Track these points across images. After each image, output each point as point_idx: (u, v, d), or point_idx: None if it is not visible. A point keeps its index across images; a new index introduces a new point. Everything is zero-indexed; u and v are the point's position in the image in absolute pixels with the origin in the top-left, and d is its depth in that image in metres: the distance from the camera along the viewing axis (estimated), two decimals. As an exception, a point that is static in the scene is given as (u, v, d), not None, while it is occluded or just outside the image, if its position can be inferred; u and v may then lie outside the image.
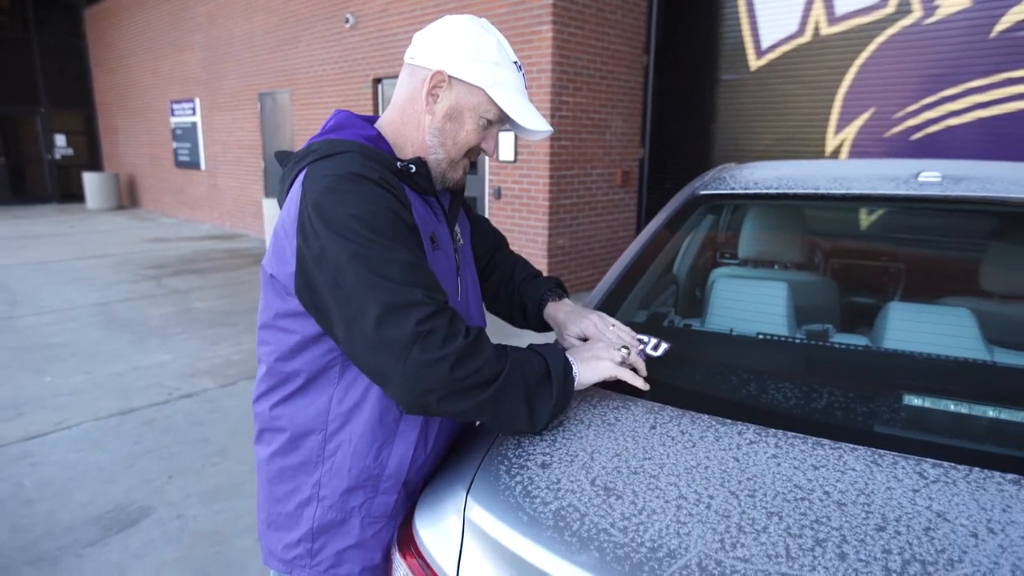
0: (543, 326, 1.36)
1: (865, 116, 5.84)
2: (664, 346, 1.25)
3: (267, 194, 9.93)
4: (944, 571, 0.70)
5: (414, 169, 1.05)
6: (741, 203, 1.87)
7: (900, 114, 5.67)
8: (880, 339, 1.45)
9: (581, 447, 1.01)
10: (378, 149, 1.05)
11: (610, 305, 1.47)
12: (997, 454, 0.93)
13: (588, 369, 1.07)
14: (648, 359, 1.23)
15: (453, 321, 0.93)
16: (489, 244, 1.41)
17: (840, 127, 5.99)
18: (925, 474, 0.88)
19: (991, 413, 1.03)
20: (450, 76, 1.05)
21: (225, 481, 3.00)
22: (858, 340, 1.55)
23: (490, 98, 1.06)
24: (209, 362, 4.57)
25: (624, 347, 1.12)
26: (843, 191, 1.63)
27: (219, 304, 6.13)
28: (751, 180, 1.83)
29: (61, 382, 4.19)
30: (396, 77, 7.59)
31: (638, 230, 7.41)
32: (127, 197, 14.83)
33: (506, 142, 6.37)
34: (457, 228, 1.23)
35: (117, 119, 14.69)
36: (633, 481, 0.91)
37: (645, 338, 1.28)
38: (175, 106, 12.10)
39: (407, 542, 0.98)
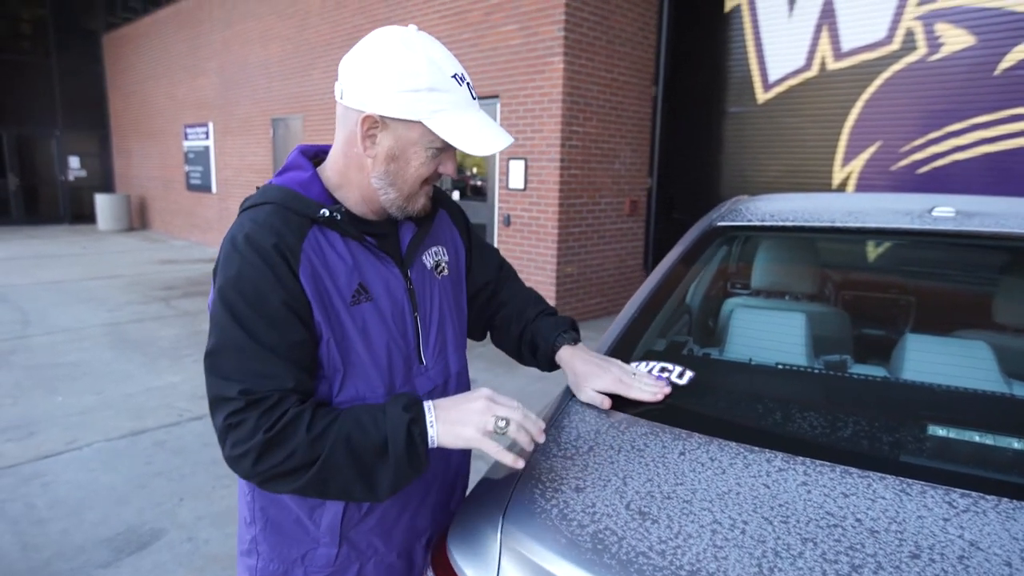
0: (551, 367, 1.31)
1: (871, 150, 5.91)
2: (689, 374, 1.28)
3: (277, 218, 10.04)
4: (980, 598, 0.72)
5: (339, 217, 1.00)
6: (758, 235, 1.91)
7: (906, 148, 5.75)
8: (898, 370, 1.47)
9: (613, 472, 1.03)
10: (305, 196, 1.01)
11: (633, 333, 1.49)
12: (1024, 485, 0.95)
13: (448, 433, 0.94)
14: (674, 387, 1.26)
15: (266, 413, 0.90)
16: (489, 275, 1.33)
17: (847, 160, 6.06)
18: (954, 503, 0.90)
19: (1016, 444, 1.05)
20: (382, 117, 0.97)
21: (236, 504, 3.00)
22: (876, 371, 1.57)
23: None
24: (219, 384, 4.59)
25: (505, 419, 0.95)
26: (859, 225, 1.67)
27: (229, 326, 6.16)
28: (767, 212, 1.87)
29: (72, 402, 4.22)
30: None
31: (646, 259, 7.46)
32: (137, 219, 14.99)
33: (517, 170, 6.46)
34: (439, 258, 1.18)
35: (131, 142, 14.93)
36: (667, 506, 0.93)
37: (670, 366, 1.31)
38: (188, 130, 12.30)
39: (441, 564, 0.99)
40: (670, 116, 7.16)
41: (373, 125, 0.98)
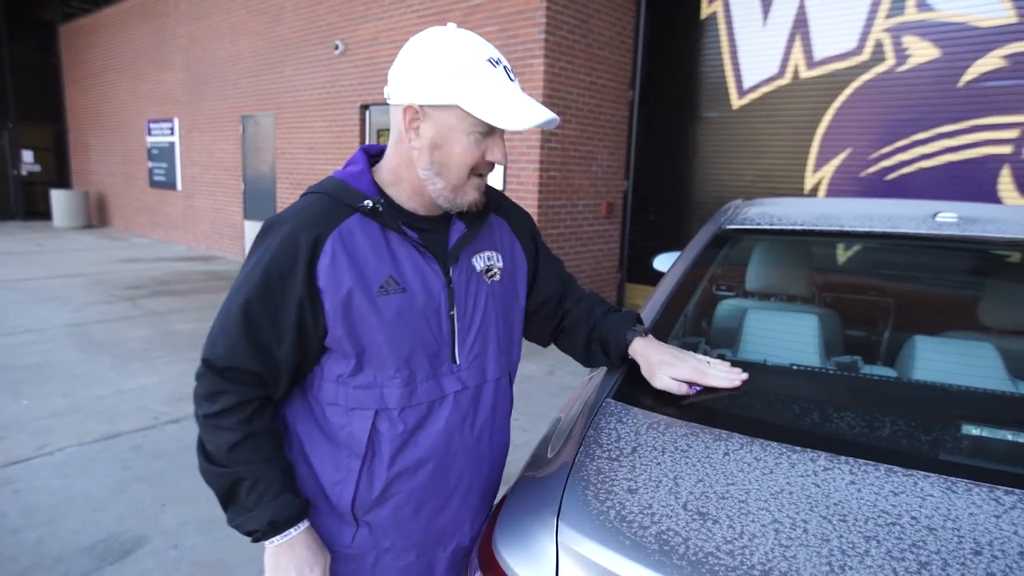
0: (622, 362, 1.33)
1: (842, 156, 6.08)
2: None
3: (247, 216, 9.81)
4: (1049, 593, 0.74)
5: (380, 209, 1.04)
6: (769, 238, 1.94)
7: (875, 155, 5.92)
8: (909, 371, 1.51)
9: (662, 472, 1.03)
10: (353, 187, 1.06)
11: (659, 334, 1.50)
12: (1062, 481, 0.98)
13: (271, 562, 1.08)
14: (707, 388, 1.27)
15: (217, 395, 1.02)
16: (554, 288, 1.33)
17: (818, 166, 6.22)
18: (1001, 500, 0.93)
19: (1047, 442, 1.09)
20: (421, 106, 1.01)
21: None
22: (886, 372, 1.61)
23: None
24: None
25: None
26: (868, 229, 1.71)
27: (201, 327, 6.00)
28: (774, 216, 1.90)
29: (39, 405, 4.05)
30: (384, 104, 7.62)
31: (621, 261, 7.53)
32: (96, 216, 14.49)
33: (495, 171, 6.45)
34: (492, 263, 1.18)
35: (90, 137, 14.42)
36: (724, 506, 0.93)
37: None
38: (152, 125, 11.94)
39: (493, 570, 0.98)
40: (646, 120, 7.24)
41: (415, 116, 1.02)
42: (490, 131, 1.03)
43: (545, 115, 1.01)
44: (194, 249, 11.28)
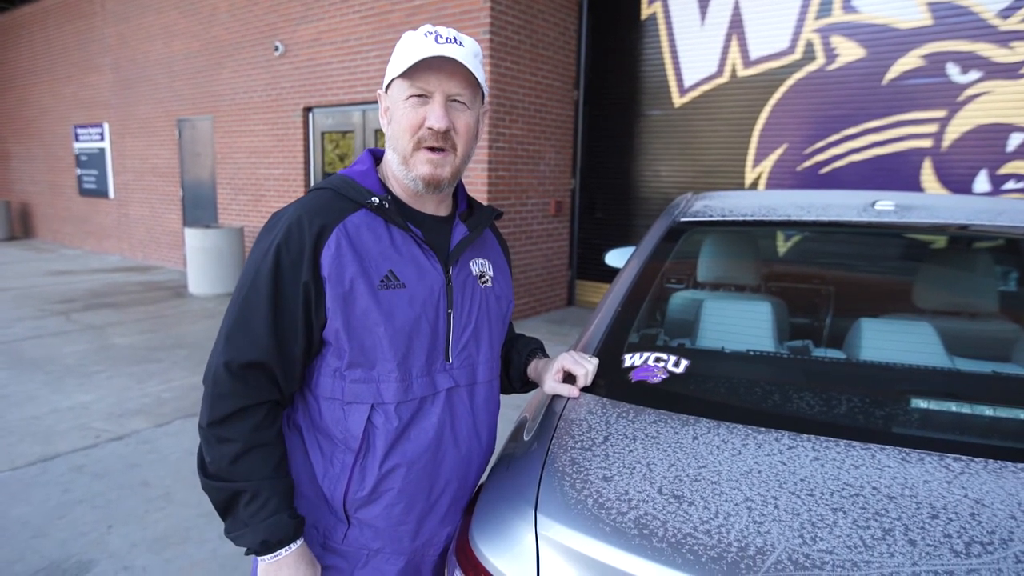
0: (523, 384, 1.39)
1: (779, 151, 6.31)
2: (684, 363, 1.32)
3: (186, 223, 9.47)
4: (1001, 549, 0.79)
5: (386, 205, 1.07)
6: (721, 229, 2.00)
7: (809, 150, 6.17)
8: (856, 352, 1.59)
9: (635, 459, 1.05)
10: (359, 184, 1.09)
11: (619, 331, 1.52)
12: (1004, 447, 1.05)
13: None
14: (672, 375, 1.30)
15: (225, 399, 1.01)
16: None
17: (757, 161, 6.43)
18: (950, 467, 0.98)
19: (988, 412, 1.16)
20: (385, 91, 1.11)
21: (174, 526, 2.81)
22: (835, 354, 1.68)
23: (404, 76, 1.04)
24: (138, 401, 4.27)
25: None
26: (814, 218, 1.78)
27: (141, 339, 5.75)
28: (725, 208, 1.96)
29: (-33, 429, 3.80)
30: (328, 106, 7.48)
31: (571, 258, 7.61)
32: (19, 227, 13.71)
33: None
34: (485, 270, 1.20)
35: (9, 144, 13.64)
36: (698, 488, 0.96)
37: (665, 356, 1.35)
38: (80, 131, 11.38)
39: (472, 565, 0.98)
40: (591, 118, 7.34)
41: (383, 103, 1.12)
42: (425, 98, 1.05)
43: (444, 50, 1.01)
44: (130, 259, 10.81)
